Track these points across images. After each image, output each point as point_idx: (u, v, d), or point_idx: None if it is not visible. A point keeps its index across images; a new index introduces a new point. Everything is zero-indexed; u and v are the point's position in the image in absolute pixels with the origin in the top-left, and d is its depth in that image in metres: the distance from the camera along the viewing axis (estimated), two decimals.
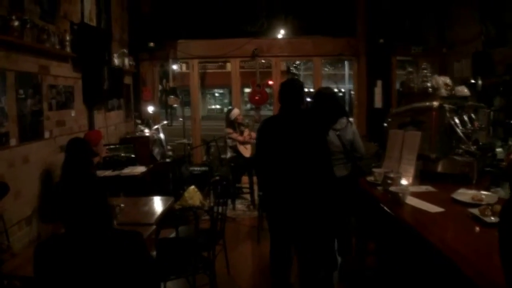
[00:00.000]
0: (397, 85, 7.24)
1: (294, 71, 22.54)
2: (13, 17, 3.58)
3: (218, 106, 35.30)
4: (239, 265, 4.31)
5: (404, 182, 2.80)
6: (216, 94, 35.58)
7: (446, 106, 2.92)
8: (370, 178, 3.21)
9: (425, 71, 3.14)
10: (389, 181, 2.78)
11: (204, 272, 3.38)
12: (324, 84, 21.04)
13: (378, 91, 7.01)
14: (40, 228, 4.07)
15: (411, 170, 2.92)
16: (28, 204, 3.92)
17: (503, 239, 1.23)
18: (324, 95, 3.96)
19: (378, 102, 7.05)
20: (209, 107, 33.86)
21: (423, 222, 2.30)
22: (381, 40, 7.02)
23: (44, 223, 4.08)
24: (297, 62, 20.77)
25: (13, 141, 3.69)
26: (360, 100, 7.61)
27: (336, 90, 23.87)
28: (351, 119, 4.38)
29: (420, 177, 3.07)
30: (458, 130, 2.88)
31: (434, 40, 7.26)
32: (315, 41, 7.67)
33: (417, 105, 3.17)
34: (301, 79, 20.70)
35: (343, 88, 22.11)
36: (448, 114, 2.87)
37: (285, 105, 3.29)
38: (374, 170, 3.20)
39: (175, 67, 7.79)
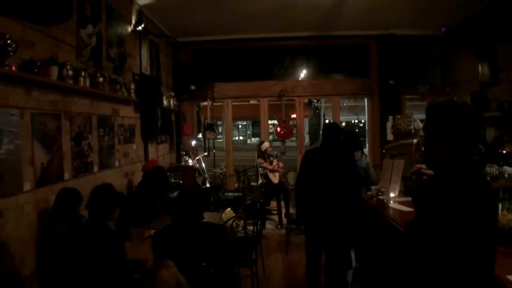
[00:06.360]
0: None
1: (316, 104, 23.42)
2: (98, 75, 4.58)
3: (241, 138, 36.13)
4: (272, 268, 5.26)
5: (392, 194, 3.84)
6: (240, 126, 36.44)
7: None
8: (369, 193, 4.19)
9: (410, 117, 4.17)
10: (380, 193, 3.81)
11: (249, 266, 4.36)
12: (345, 115, 21.92)
13: (389, 125, 7.63)
14: None
15: (397, 187, 3.91)
16: None
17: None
18: (341, 132, 4.52)
19: (389, 135, 7.73)
20: (232, 138, 34.56)
21: (396, 215, 3.32)
22: (391, 82, 7.95)
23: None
24: None
25: (95, 168, 4.72)
26: (373, 133, 8.45)
27: (356, 121, 24.70)
28: (366, 150, 5.22)
29: (406, 192, 4.01)
30: None
31: (439, 80, 8.18)
32: (334, 82, 8.60)
33: (402, 142, 4.18)
34: (322, 111, 21.72)
35: (363, 119, 22.85)
36: (423, 148, 3.80)
37: (327, 142, 4.10)
38: (372, 187, 4.20)
39: (205, 103, 8.74)
